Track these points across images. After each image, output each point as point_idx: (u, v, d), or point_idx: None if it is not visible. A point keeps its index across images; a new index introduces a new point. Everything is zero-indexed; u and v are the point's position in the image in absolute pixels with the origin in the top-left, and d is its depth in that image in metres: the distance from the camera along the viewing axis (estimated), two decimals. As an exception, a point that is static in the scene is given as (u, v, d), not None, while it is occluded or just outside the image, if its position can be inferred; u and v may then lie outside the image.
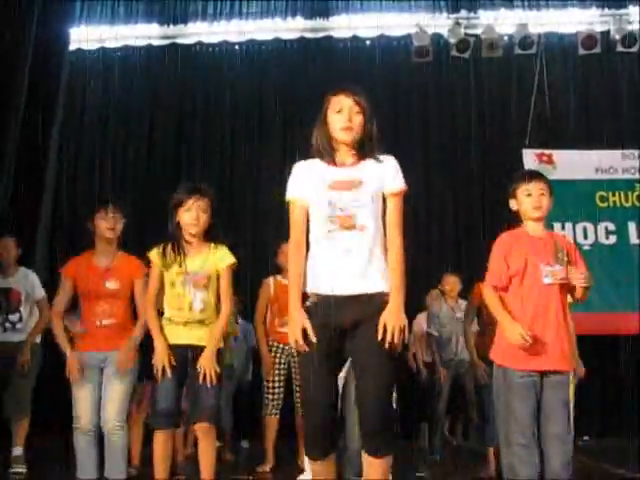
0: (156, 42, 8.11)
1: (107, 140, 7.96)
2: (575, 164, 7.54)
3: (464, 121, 7.84)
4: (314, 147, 2.66)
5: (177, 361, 3.27)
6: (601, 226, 7.38)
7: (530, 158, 7.53)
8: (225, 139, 7.96)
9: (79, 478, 3.66)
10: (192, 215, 3.31)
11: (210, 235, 3.40)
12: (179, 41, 8.11)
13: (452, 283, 5.73)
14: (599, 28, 7.73)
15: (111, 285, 3.74)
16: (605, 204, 7.45)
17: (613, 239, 7.35)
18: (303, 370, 2.55)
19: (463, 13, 7.88)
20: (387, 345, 2.39)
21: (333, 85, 2.69)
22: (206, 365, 3.23)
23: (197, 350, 3.29)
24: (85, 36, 7.98)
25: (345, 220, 2.50)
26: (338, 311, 2.46)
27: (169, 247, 3.34)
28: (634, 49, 7.59)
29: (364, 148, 2.61)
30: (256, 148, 7.91)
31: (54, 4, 7.09)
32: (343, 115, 2.57)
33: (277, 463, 4.94)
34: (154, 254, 3.37)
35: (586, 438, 6.55)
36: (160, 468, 3.22)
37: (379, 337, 2.39)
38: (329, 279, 2.50)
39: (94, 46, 8.10)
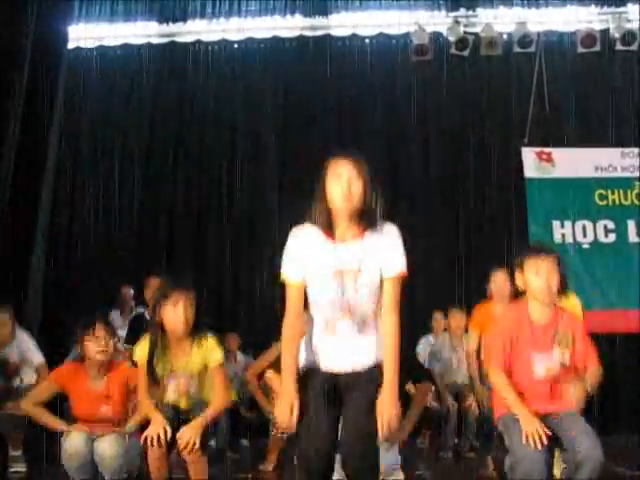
0: (155, 40, 8.10)
1: (106, 138, 7.95)
2: (574, 162, 7.55)
3: (463, 119, 7.84)
4: (312, 217, 2.55)
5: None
6: (600, 224, 7.38)
7: (529, 156, 7.54)
8: (224, 137, 7.94)
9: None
10: (179, 313, 3.12)
11: (195, 330, 3.20)
12: (178, 39, 8.09)
13: (458, 319, 5.69)
14: (598, 26, 7.73)
15: (108, 410, 3.71)
16: (604, 202, 7.45)
17: (612, 237, 7.35)
18: (304, 410, 2.46)
19: (462, 11, 7.87)
20: (382, 435, 2.38)
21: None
22: (188, 434, 3.02)
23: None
24: (84, 34, 7.98)
25: (344, 307, 2.49)
26: (333, 379, 2.50)
27: (152, 346, 3.16)
28: (633, 47, 7.58)
29: (364, 218, 2.51)
30: (255, 146, 7.90)
31: (53, 2, 7.06)
32: (342, 182, 2.47)
33: (278, 462, 4.92)
34: (140, 357, 3.21)
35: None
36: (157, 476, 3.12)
37: (379, 431, 2.38)
38: (324, 359, 2.52)
39: (93, 44, 8.09)
